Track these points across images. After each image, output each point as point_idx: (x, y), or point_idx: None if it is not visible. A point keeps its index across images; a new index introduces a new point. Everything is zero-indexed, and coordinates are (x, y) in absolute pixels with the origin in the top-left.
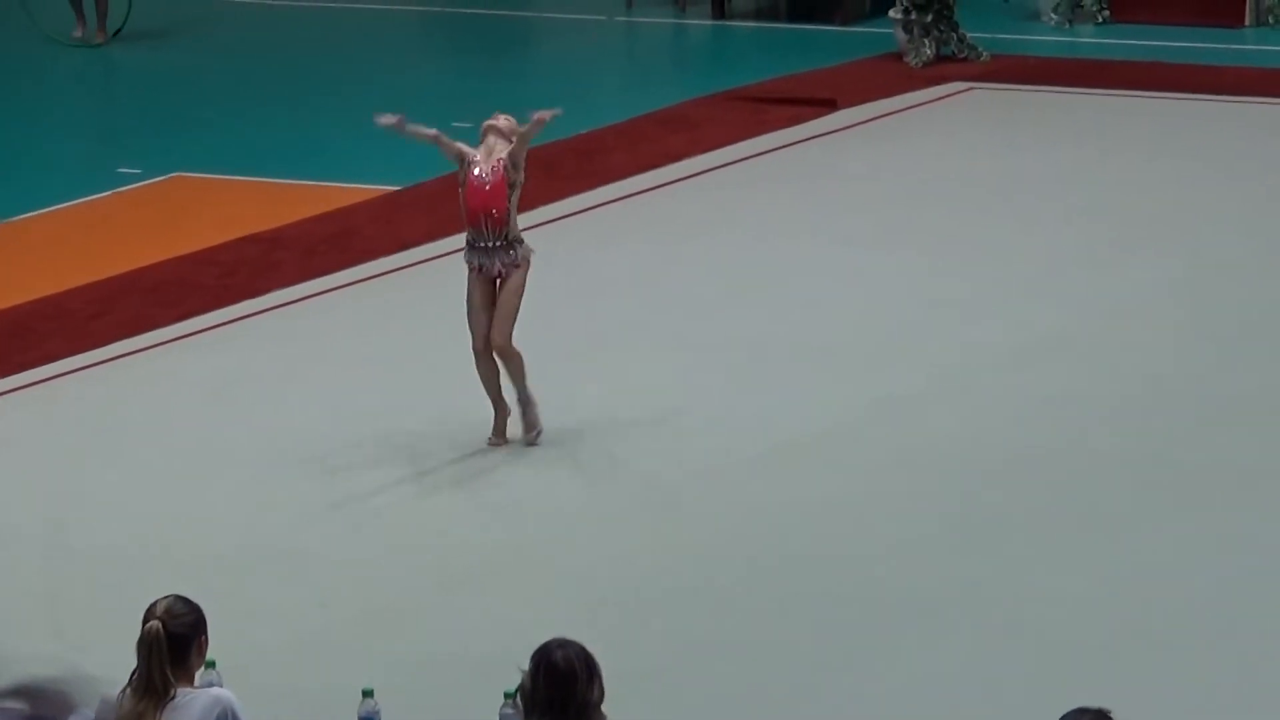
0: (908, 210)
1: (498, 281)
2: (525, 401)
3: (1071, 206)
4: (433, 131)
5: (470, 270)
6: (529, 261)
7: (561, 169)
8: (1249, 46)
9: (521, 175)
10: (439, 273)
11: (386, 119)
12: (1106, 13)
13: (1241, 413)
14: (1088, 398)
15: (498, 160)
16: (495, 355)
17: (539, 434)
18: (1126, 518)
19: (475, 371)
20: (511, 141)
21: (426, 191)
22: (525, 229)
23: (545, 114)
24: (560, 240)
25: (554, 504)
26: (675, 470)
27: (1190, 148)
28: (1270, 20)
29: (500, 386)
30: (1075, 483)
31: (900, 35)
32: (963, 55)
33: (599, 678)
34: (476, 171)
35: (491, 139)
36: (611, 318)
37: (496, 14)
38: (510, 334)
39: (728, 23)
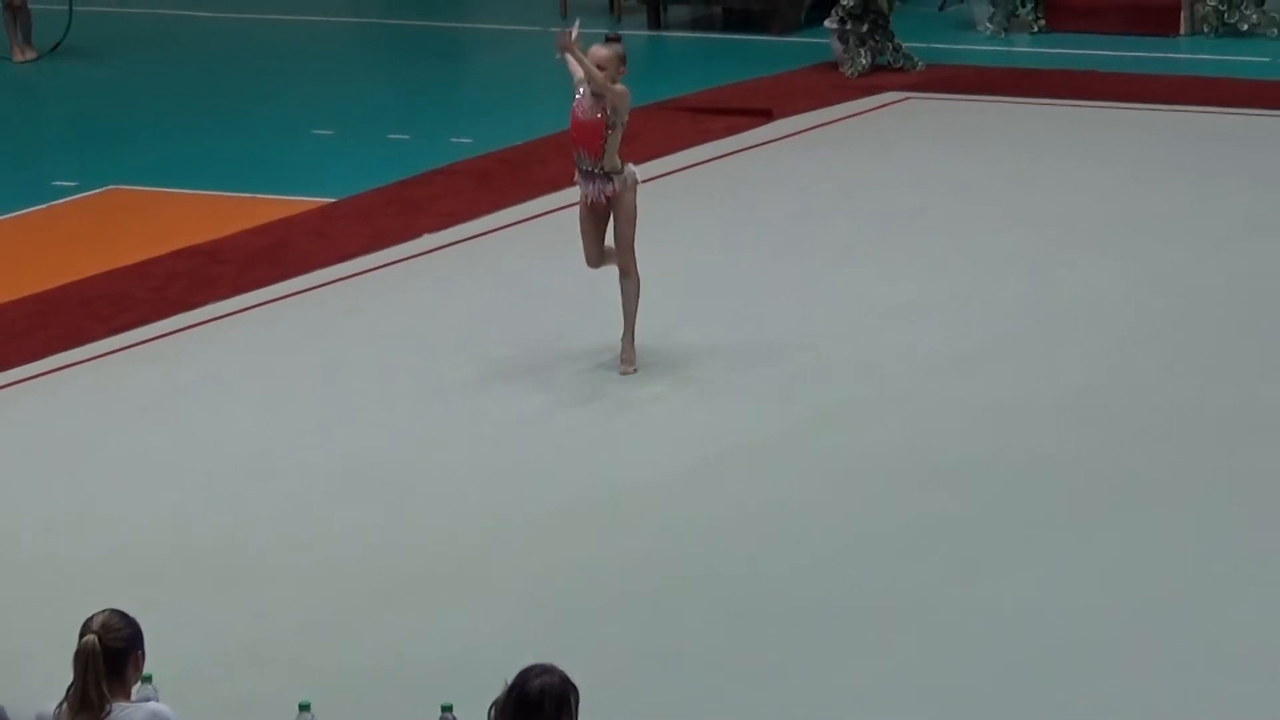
0: (846, 219)
1: (607, 203)
2: (629, 335)
3: (1009, 215)
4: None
5: (581, 204)
6: (634, 186)
7: (497, 180)
8: (1184, 55)
9: (624, 117)
10: (377, 284)
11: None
12: (1042, 22)
13: (1181, 419)
14: (1028, 404)
15: (602, 104)
16: (620, 275)
17: (635, 370)
18: (1069, 524)
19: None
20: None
21: (363, 203)
22: (462, 240)
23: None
24: (498, 252)
25: (495, 514)
26: (620, 478)
27: (1127, 156)
28: (1205, 29)
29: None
30: (1018, 489)
31: (836, 45)
32: (898, 65)
33: (569, 714)
34: (580, 98)
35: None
36: (549, 329)
37: (432, 25)
38: (631, 260)
39: (664, 33)
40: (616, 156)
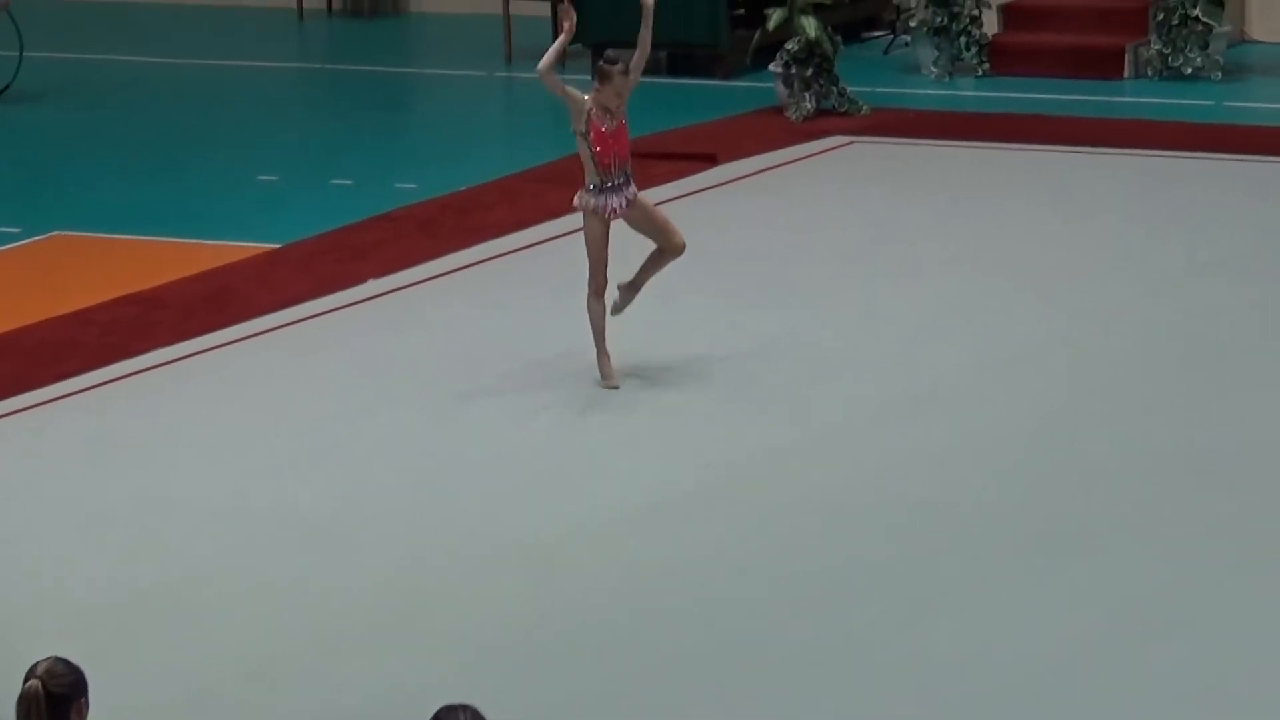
0: (789, 263)
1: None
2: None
3: (953, 258)
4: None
5: (588, 214)
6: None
7: (441, 226)
8: (1128, 99)
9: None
10: (318, 331)
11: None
12: (986, 65)
13: (1124, 462)
14: (968, 450)
15: (621, 109)
16: (671, 254)
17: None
18: (1006, 571)
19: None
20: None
21: (306, 249)
22: (406, 286)
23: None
24: (441, 298)
25: (428, 562)
26: (553, 525)
27: (1071, 199)
28: (1149, 72)
29: (605, 331)
30: (954, 536)
31: (781, 89)
32: (843, 109)
33: None
34: (600, 119)
35: (606, 88)
36: (492, 376)
37: (376, 70)
38: (680, 233)
39: None
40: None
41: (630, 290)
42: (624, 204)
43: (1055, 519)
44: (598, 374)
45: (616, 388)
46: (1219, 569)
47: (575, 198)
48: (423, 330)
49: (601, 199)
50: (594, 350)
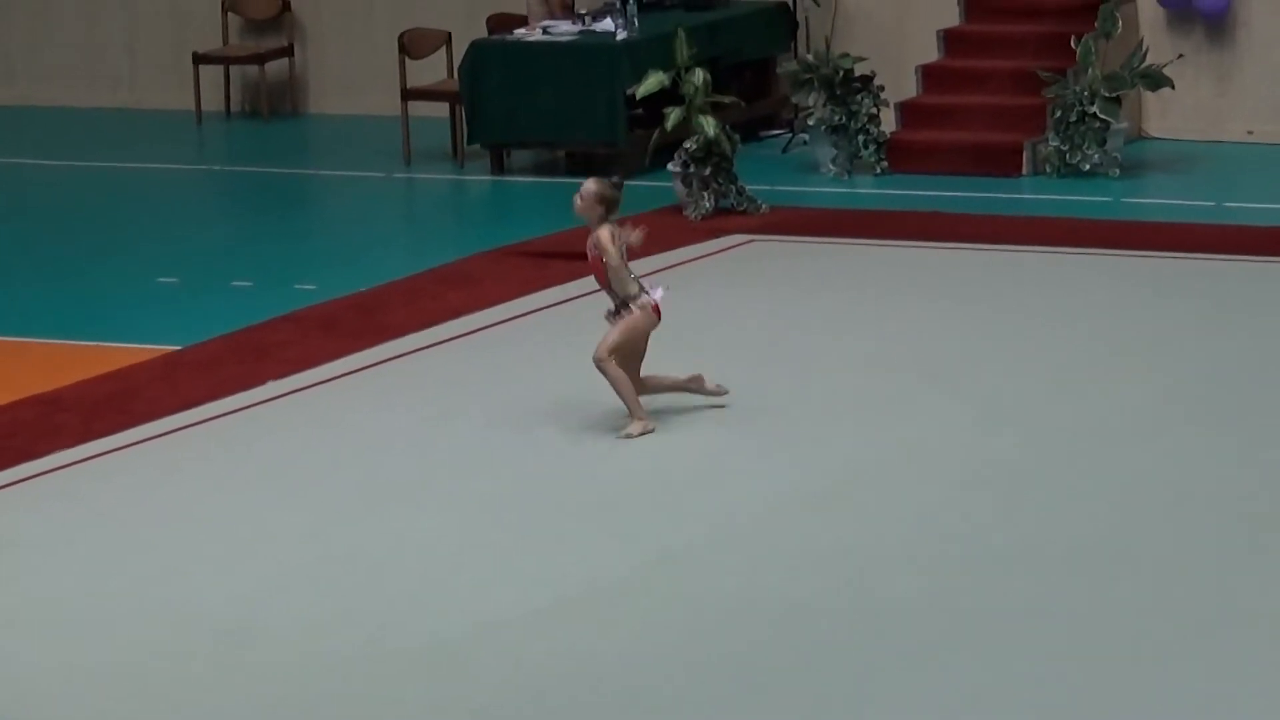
0: (689, 362)
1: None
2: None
3: (853, 357)
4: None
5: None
6: (644, 309)
7: (342, 326)
8: (1026, 195)
9: (614, 250)
10: (222, 432)
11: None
12: (884, 163)
13: (1023, 557)
14: (870, 547)
15: (591, 244)
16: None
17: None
18: (909, 667)
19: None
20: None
21: (208, 351)
22: (308, 386)
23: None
24: (340, 399)
25: (331, 660)
26: (458, 625)
27: (971, 295)
28: (1047, 169)
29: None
30: (858, 632)
31: (679, 188)
32: (742, 207)
33: None
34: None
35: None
36: (391, 475)
37: (275, 171)
38: (608, 350)
39: (507, 178)
40: (627, 285)
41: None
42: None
43: (956, 614)
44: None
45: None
46: (1115, 662)
47: None
48: (325, 430)
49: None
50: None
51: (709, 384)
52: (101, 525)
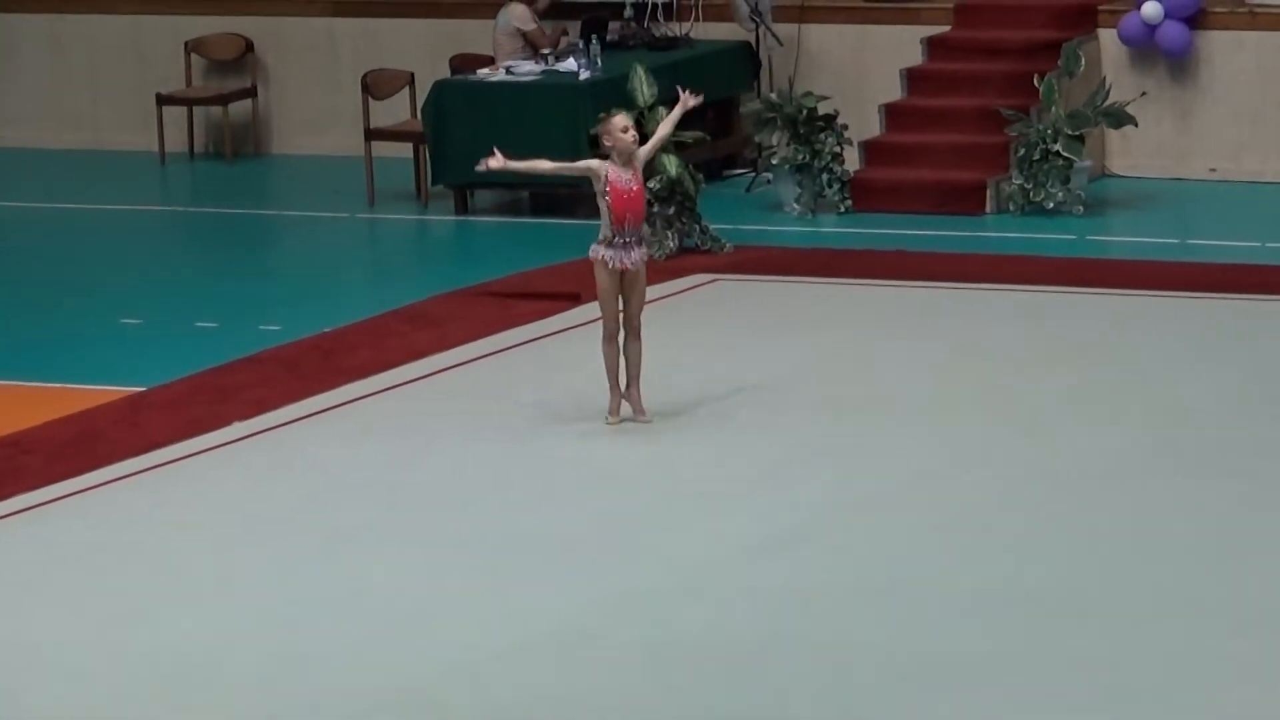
0: (652, 402)
1: (623, 274)
2: (637, 386)
3: (816, 397)
4: (546, 165)
5: (602, 266)
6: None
7: (305, 367)
8: (990, 234)
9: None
10: (187, 474)
11: (490, 163)
12: (849, 202)
13: (990, 600)
14: (837, 588)
15: (636, 166)
16: (631, 337)
17: (649, 419)
18: (875, 710)
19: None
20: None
21: (172, 392)
22: (272, 428)
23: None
24: (305, 440)
25: (295, 703)
26: (425, 666)
27: (937, 335)
28: (1011, 207)
29: (619, 369)
30: (816, 674)
31: (644, 227)
32: (706, 247)
33: None
34: (618, 177)
35: (622, 144)
36: (356, 517)
37: (239, 212)
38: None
39: (471, 218)
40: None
41: (633, 397)
42: (634, 262)
43: (916, 658)
44: (608, 415)
45: (617, 422)
46: (1082, 710)
47: (591, 249)
48: (288, 472)
49: (613, 252)
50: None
51: (640, 407)
52: (65, 568)
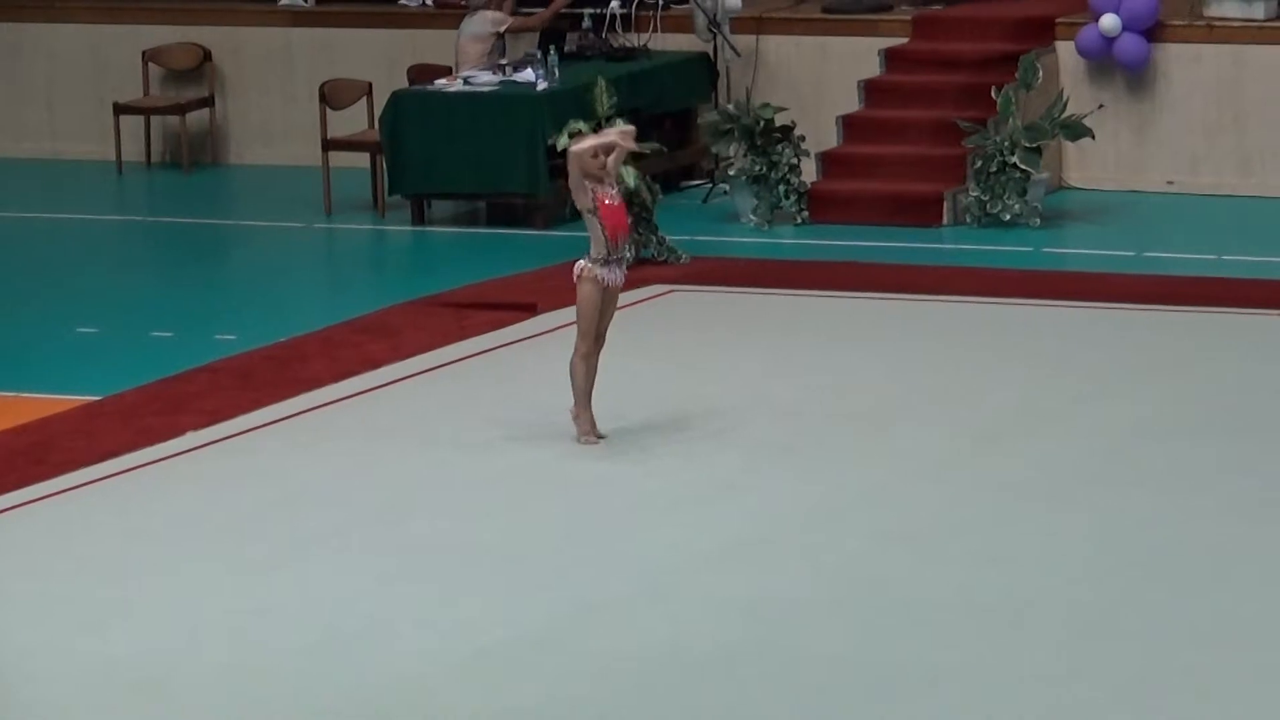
0: (608, 412)
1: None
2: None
3: (773, 408)
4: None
5: (593, 282)
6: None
7: (259, 377)
8: (947, 245)
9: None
10: (141, 484)
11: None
12: (805, 213)
13: (943, 610)
14: (793, 598)
15: (613, 180)
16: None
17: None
18: (829, 717)
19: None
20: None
21: (125, 402)
22: (226, 437)
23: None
24: (259, 449)
25: (249, 714)
26: (379, 677)
27: (893, 346)
28: (968, 219)
29: (591, 391)
30: (774, 683)
31: None
32: (662, 258)
33: None
34: (604, 194)
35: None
36: (311, 526)
37: (195, 222)
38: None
39: (428, 228)
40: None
41: (581, 409)
42: (620, 279)
43: (868, 667)
44: (574, 434)
45: (599, 440)
46: None
47: (578, 265)
48: (243, 482)
49: (606, 270)
50: (573, 408)
51: (590, 429)
52: (18, 578)
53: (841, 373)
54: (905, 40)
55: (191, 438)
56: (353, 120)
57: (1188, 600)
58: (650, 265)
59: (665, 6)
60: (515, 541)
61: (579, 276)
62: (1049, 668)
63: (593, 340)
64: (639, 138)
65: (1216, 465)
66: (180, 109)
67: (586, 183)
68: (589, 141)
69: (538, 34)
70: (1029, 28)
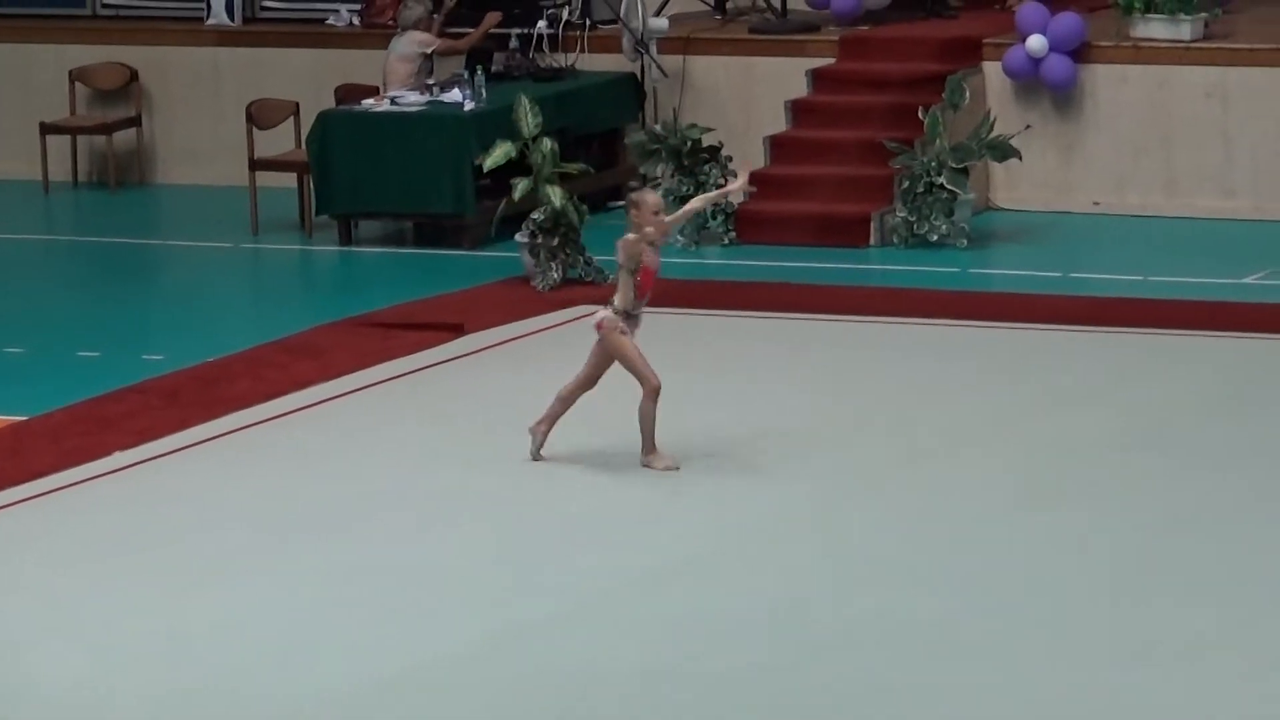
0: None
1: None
2: (550, 425)
3: (698, 429)
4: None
5: (619, 334)
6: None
7: (185, 397)
8: (874, 266)
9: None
10: (68, 504)
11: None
12: (733, 234)
13: (865, 634)
14: (714, 619)
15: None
16: (586, 386)
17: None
18: None
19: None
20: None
21: (53, 422)
22: (154, 458)
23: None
24: (183, 471)
25: None
26: (308, 697)
27: (819, 368)
28: (895, 240)
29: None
30: (706, 705)
31: (527, 258)
32: (590, 278)
33: None
34: (651, 259)
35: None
36: (237, 547)
37: (122, 242)
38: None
39: (355, 249)
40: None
41: (540, 433)
42: (636, 328)
43: (795, 688)
44: (650, 466)
45: (676, 468)
46: None
47: (602, 316)
48: (169, 502)
49: (629, 323)
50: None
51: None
52: None
53: (767, 393)
54: (833, 60)
55: (119, 458)
56: (280, 140)
57: (1117, 619)
58: (577, 285)
59: (592, 27)
60: (442, 562)
61: (604, 331)
62: (982, 685)
63: (654, 379)
64: (566, 158)
65: (1143, 486)
66: (107, 128)
67: (642, 244)
68: (656, 198)
69: (465, 54)
70: (956, 48)
